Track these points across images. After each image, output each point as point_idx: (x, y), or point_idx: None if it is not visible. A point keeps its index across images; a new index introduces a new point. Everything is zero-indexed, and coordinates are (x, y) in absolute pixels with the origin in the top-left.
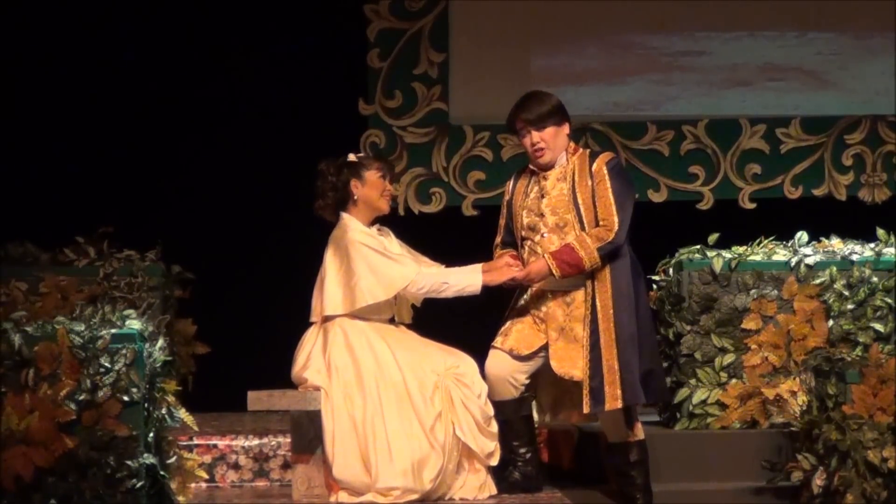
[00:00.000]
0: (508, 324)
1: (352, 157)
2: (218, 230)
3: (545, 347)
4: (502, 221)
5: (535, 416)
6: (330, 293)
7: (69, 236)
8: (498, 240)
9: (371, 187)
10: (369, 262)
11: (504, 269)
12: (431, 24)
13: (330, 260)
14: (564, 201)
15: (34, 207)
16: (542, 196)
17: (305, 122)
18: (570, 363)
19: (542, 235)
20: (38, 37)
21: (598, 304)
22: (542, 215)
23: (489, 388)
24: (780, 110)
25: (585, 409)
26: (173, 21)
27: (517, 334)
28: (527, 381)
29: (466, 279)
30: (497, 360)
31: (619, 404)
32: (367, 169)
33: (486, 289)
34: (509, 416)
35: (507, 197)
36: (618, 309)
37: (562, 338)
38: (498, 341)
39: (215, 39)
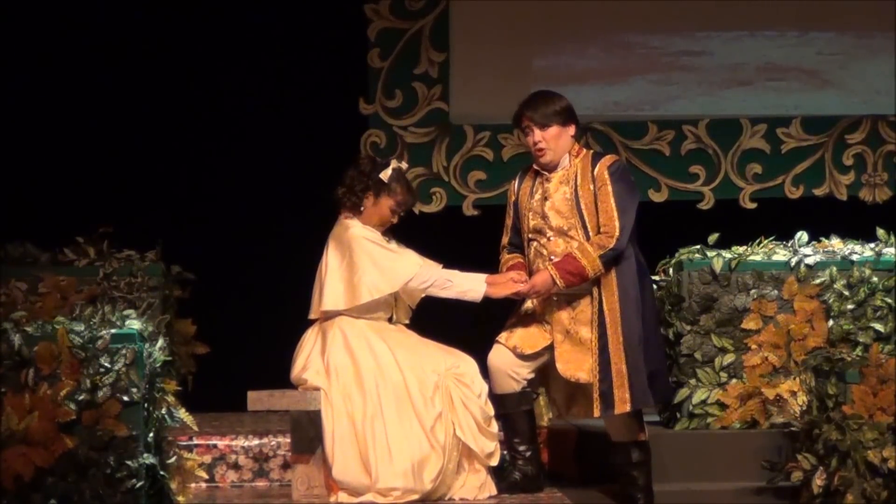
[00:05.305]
0: (514, 322)
1: (387, 172)
2: (218, 230)
3: (549, 348)
4: (508, 222)
5: (548, 412)
6: (330, 288)
7: (69, 236)
8: (505, 240)
9: (377, 212)
10: (372, 257)
11: (508, 283)
12: (432, 24)
13: (331, 256)
14: (568, 205)
15: (34, 207)
16: (546, 199)
17: (305, 122)
18: (576, 366)
19: (547, 238)
20: (38, 36)
21: (604, 307)
22: (545, 218)
23: (491, 381)
24: (781, 110)
25: (596, 413)
26: (173, 21)
27: (522, 332)
28: (529, 376)
29: (470, 283)
30: (500, 354)
31: (628, 408)
32: (387, 195)
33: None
34: (510, 411)
35: (512, 198)
36: (625, 312)
37: (567, 340)
38: (502, 337)
39: (215, 39)
